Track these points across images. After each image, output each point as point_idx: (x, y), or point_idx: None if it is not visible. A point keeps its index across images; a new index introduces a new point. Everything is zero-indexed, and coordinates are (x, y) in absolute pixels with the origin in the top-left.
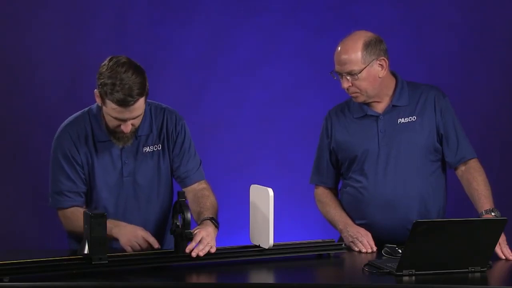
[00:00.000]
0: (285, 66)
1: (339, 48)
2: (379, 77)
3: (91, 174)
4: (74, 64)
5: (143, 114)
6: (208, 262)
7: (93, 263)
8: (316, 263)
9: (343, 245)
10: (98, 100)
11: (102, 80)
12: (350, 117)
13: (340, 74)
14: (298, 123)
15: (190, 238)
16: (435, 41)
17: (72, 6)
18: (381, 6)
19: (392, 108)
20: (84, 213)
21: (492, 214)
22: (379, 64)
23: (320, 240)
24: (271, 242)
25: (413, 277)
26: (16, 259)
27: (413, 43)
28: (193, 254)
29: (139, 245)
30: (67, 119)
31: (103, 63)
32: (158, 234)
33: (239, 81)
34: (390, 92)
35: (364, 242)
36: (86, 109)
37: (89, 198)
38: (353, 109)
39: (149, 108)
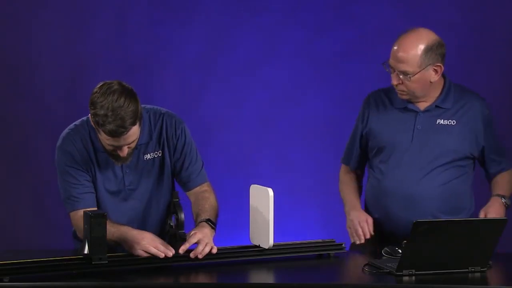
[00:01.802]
0: (285, 66)
1: (399, 44)
2: (431, 82)
3: (93, 182)
4: (74, 64)
5: (138, 137)
6: (208, 262)
7: (93, 263)
8: (316, 263)
9: (343, 245)
10: (92, 123)
11: (94, 111)
12: (390, 107)
13: (392, 69)
14: (298, 123)
15: (183, 238)
16: None
17: (72, 6)
18: (381, 6)
19: (435, 108)
20: (84, 213)
21: (503, 200)
22: (434, 69)
23: (320, 240)
24: (271, 242)
25: (413, 277)
26: (16, 259)
27: None
28: (192, 256)
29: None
30: (67, 128)
31: (94, 90)
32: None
33: (239, 81)
34: (437, 94)
35: (358, 231)
36: (84, 118)
37: None
38: (395, 98)
39: (148, 115)
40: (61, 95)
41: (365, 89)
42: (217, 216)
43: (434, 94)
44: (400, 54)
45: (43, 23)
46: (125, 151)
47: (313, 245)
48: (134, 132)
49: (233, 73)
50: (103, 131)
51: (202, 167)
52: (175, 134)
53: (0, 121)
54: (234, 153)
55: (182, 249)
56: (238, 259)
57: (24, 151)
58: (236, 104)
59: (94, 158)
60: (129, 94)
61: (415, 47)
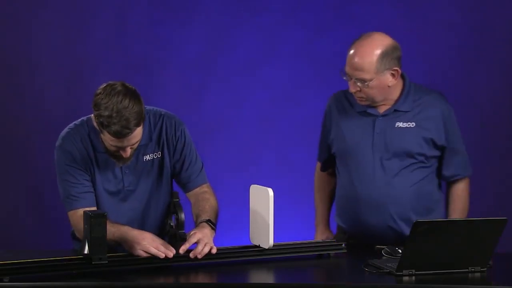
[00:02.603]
0: (285, 66)
1: (353, 51)
2: (389, 86)
3: (93, 182)
4: (74, 64)
5: (141, 138)
6: (208, 262)
7: (93, 263)
8: (316, 263)
9: (343, 245)
10: (96, 126)
11: (98, 112)
12: (351, 110)
13: (349, 76)
14: (298, 123)
15: (183, 238)
16: (435, 41)
17: (72, 6)
18: (381, 6)
19: (393, 112)
20: (84, 213)
21: None
22: (391, 73)
23: (320, 240)
24: (271, 242)
25: (413, 277)
26: (16, 259)
27: (413, 43)
28: (191, 256)
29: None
30: (67, 127)
31: (98, 91)
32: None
33: (239, 81)
34: (396, 96)
35: None
36: (84, 118)
37: None
38: (355, 102)
39: (148, 116)
40: (61, 95)
41: None
42: (217, 217)
43: (393, 97)
44: (356, 62)
45: (43, 23)
46: (128, 152)
47: (313, 245)
48: (138, 133)
49: (233, 73)
50: (108, 132)
51: (202, 168)
52: (175, 135)
53: (0, 121)
54: (234, 153)
55: (182, 249)
56: (238, 259)
57: (24, 151)
58: (236, 104)
59: (93, 158)
60: (133, 95)
61: (370, 54)
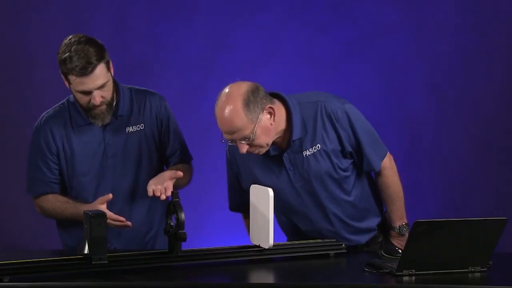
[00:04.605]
0: (285, 66)
1: (220, 117)
2: (272, 124)
3: (71, 160)
4: None
5: (110, 85)
6: (209, 262)
7: (93, 263)
8: (316, 263)
9: (343, 245)
10: (65, 82)
11: (60, 57)
12: (256, 156)
13: (232, 141)
14: None
15: (184, 238)
16: (435, 41)
17: (72, 6)
18: (381, 6)
19: (293, 142)
20: (84, 213)
21: (402, 231)
22: (267, 112)
23: (320, 240)
24: (271, 242)
25: (413, 277)
26: (16, 259)
27: (413, 43)
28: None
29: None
30: (47, 110)
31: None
32: (149, 218)
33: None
34: (284, 125)
35: None
36: (64, 100)
37: (69, 186)
38: None
39: (129, 91)
40: (61, 95)
41: (365, 89)
42: (190, 178)
43: (282, 127)
44: (228, 125)
45: (43, 23)
46: (97, 98)
47: (313, 245)
48: (101, 73)
49: (233, 73)
50: (71, 72)
51: (185, 146)
52: (159, 110)
53: (0, 121)
54: None
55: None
56: (238, 259)
57: (24, 151)
58: None
59: (72, 134)
60: (93, 41)
61: (236, 111)
